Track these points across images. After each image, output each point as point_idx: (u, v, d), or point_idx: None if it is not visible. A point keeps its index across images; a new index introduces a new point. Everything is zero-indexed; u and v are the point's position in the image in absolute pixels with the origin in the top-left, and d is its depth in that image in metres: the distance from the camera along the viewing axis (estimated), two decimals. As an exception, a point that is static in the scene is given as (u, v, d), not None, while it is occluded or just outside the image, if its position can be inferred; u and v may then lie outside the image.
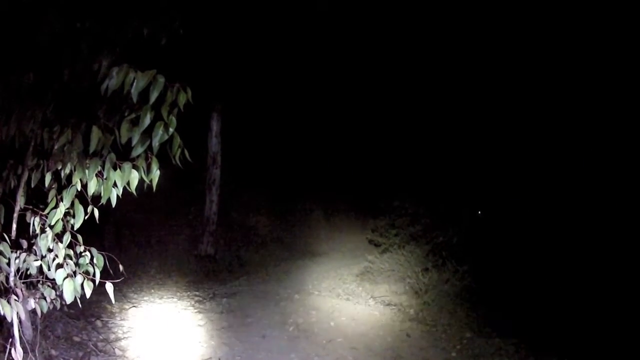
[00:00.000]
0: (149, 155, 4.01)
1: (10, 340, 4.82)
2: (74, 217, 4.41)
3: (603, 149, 12.59)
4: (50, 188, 4.47)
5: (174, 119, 3.72)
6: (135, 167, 4.09)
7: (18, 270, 4.62)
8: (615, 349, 8.86)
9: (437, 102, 16.68)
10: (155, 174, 4.12)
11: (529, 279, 11.40)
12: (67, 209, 4.42)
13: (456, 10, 14.43)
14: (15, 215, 4.63)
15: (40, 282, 4.93)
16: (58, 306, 5.16)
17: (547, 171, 13.63)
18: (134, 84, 3.65)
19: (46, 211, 4.45)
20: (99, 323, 8.75)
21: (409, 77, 16.58)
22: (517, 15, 13.60)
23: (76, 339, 7.87)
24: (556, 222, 12.63)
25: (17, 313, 4.50)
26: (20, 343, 4.81)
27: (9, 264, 4.52)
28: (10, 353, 4.77)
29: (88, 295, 4.49)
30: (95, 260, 4.65)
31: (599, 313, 9.93)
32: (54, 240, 4.48)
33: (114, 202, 4.25)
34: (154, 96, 3.61)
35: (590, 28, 12.48)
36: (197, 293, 11.43)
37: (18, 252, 4.55)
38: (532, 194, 13.76)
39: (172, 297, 10.98)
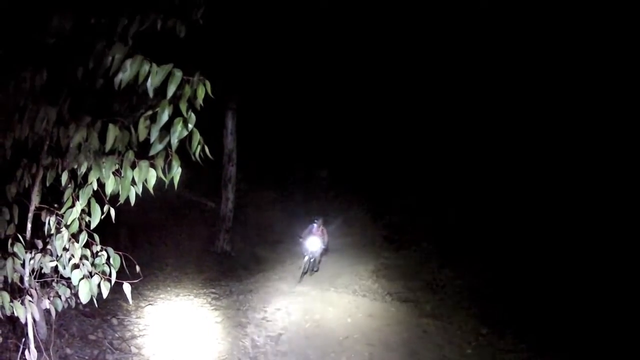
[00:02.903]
0: (170, 152, 3.91)
1: (24, 339, 4.79)
2: (90, 216, 4.35)
3: (601, 154, 12.73)
4: (66, 187, 4.40)
5: (193, 115, 3.61)
6: (152, 165, 4.01)
7: (33, 270, 4.57)
8: (627, 346, 8.90)
9: (454, 108, 16.71)
10: (177, 172, 4.00)
11: (543, 278, 11.39)
12: (83, 207, 4.35)
13: (458, 10, 14.41)
14: (30, 215, 4.57)
15: (55, 280, 4.88)
16: (73, 305, 5.12)
17: (559, 176, 13.73)
18: (150, 78, 3.58)
19: (62, 210, 4.38)
20: (114, 321, 8.71)
21: (430, 81, 16.60)
22: (516, 16, 13.61)
23: (91, 337, 7.84)
24: (570, 224, 12.66)
25: (32, 313, 4.46)
26: (35, 342, 4.77)
27: (23, 265, 4.47)
28: (23, 353, 4.73)
29: (105, 295, 4.43)
30: (111, 260, 4.59)
31: (609, 313, 9.96)
32: (70, 240, 4.42)
33: (132, 200, 4.16)
34: (171, 90, 3.49)
35: (590, 28, 12.49)
36: (213, 290, 11.38)
37: (33, 252, 4.49)
38: (548, 195, 13.81)
39: (189, 295, 10.94)
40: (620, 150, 12.82)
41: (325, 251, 14.09)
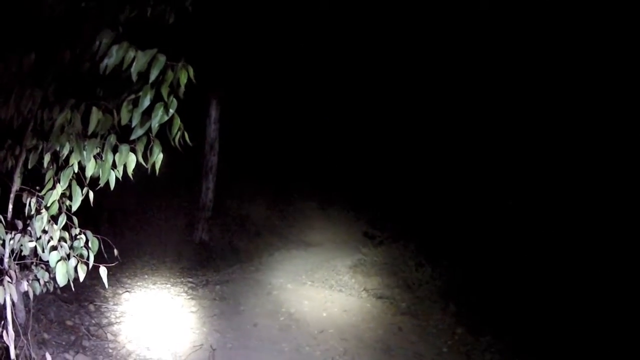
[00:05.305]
0: (151, 138, 3.95)
1: (3, 322, 4.79)
2: (70, 199, 4.37)
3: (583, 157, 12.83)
4: (47, 169, 4.42)
5: (174, 100, 3.64)
6: (133, 150, 4.03)
7: (12, 251, 4.58)
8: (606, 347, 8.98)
9: (435, 103, 16.74)
10: (158, 157, 4.02)
11: (523, 280, 11.46)
12: (64, 190, 4.37)
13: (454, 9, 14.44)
14: (12, 195, 4.58)
15: (34, 263, 4.89)
16: (51, 289, 5.12)
17: (540, 179, 13.82)
18: (134, 62, 3.61)
19: (42, 192, 4.40)
20: (91, 307, 8.75)
21: (407, 76, 16.60)
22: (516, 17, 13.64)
23: (69, 322, 7.86)
24: (550, 225, 12.76)
25: (10, 295, 4.46)
26: (13, 326, 4.77)
27: (3, 245, 4.48)
28: (1, 335, 4.74)
29: (82, 278, 4.45)
30: (90, 244, 4.61)
31: (589, 314, 10.04)
32: (49, 221, 4.43)
33: (112, 184, 4.19)
34: (153, 75, 3.53)
35: (589, 28, 12.52)
36: (190, 280, 11.41)
37: (13, 233, 4.50)
38: (530, 197, 13.90)
39: (166, 283, 10.97)
40: (607, 154, 12.90)
41: None
